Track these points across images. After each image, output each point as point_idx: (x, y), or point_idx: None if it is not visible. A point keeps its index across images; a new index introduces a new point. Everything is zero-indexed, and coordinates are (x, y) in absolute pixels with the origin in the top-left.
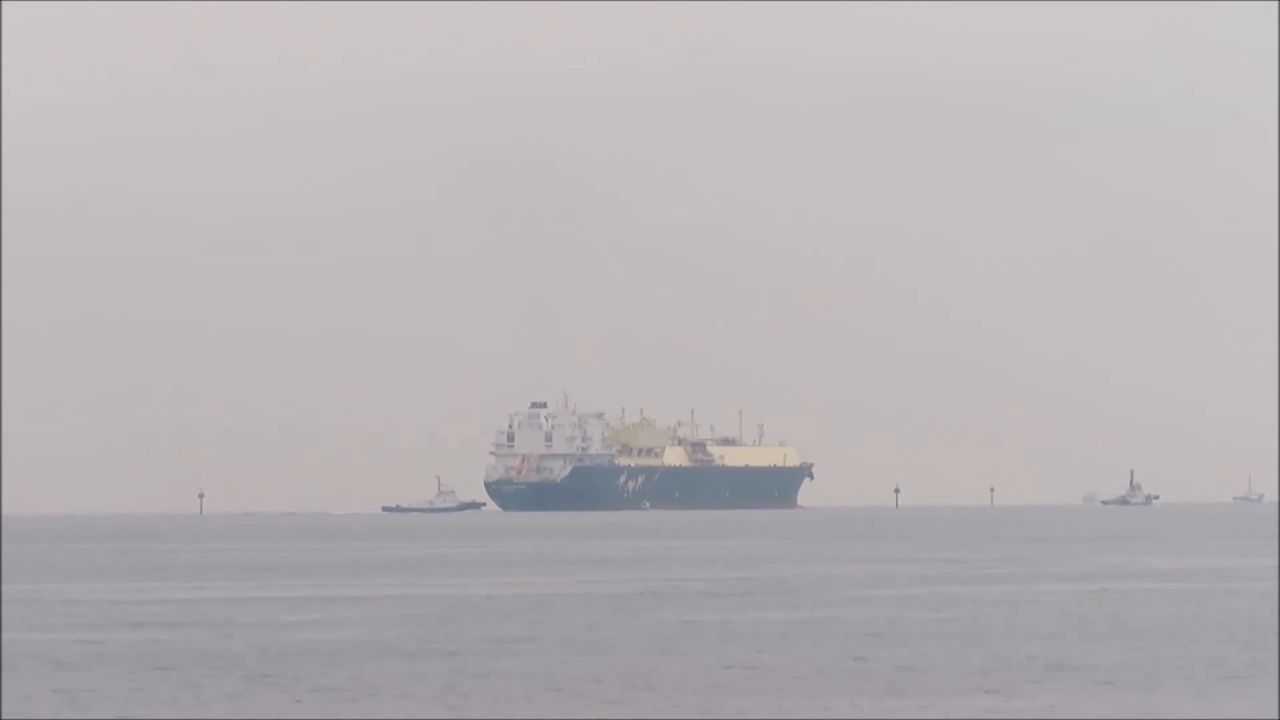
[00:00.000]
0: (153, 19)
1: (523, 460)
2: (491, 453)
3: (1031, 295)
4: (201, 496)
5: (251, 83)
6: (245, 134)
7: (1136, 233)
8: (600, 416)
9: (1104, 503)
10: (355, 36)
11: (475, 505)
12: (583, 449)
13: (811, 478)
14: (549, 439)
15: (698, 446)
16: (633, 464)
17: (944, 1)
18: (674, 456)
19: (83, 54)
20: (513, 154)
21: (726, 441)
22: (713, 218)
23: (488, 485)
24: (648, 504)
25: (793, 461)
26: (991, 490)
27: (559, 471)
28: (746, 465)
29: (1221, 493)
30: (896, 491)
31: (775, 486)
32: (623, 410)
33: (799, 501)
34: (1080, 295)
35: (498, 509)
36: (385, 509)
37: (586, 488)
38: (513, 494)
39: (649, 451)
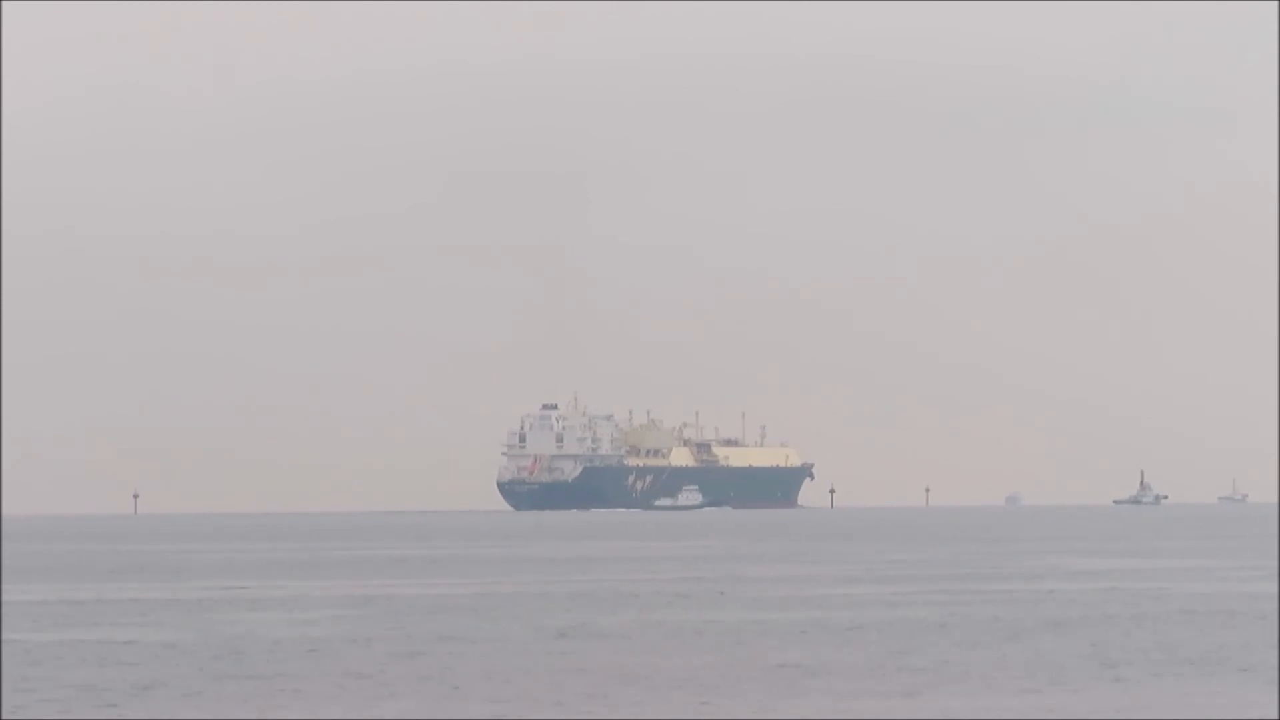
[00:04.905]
0: (151, 19)
1: (534, 461)
2: (504, 453)
3: (1030, 297)
4: (136, 497)
5: (254, 84)
6: (245, 135)
7: (1135, 234)
8: (609, 418)
9: (1116, 502)
10: (354, 38)
11: (718, 503)
12: (593, 450)
13: (812, 478)
14: (560, 440)
15: (703, 447)
16: (641, 464)
17: (949, 2)
18: (680, 457)
19: (83, 54)
20: (516, 155)
21: (730, 443)
22: (713, 221)
23: (500, 485)
24: (655, 503)
25: (794, 462)
26: (927, 491)
27: (570, 472)
28: (749, 466)
29: (1207, 493)
30: (832, 492)
31: (777, 486)
32: (630, 412)
33: (800, 501)
34: (1076, 297)
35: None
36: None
37: (596, 487)
38: (525, 494)
39: (656, 452)
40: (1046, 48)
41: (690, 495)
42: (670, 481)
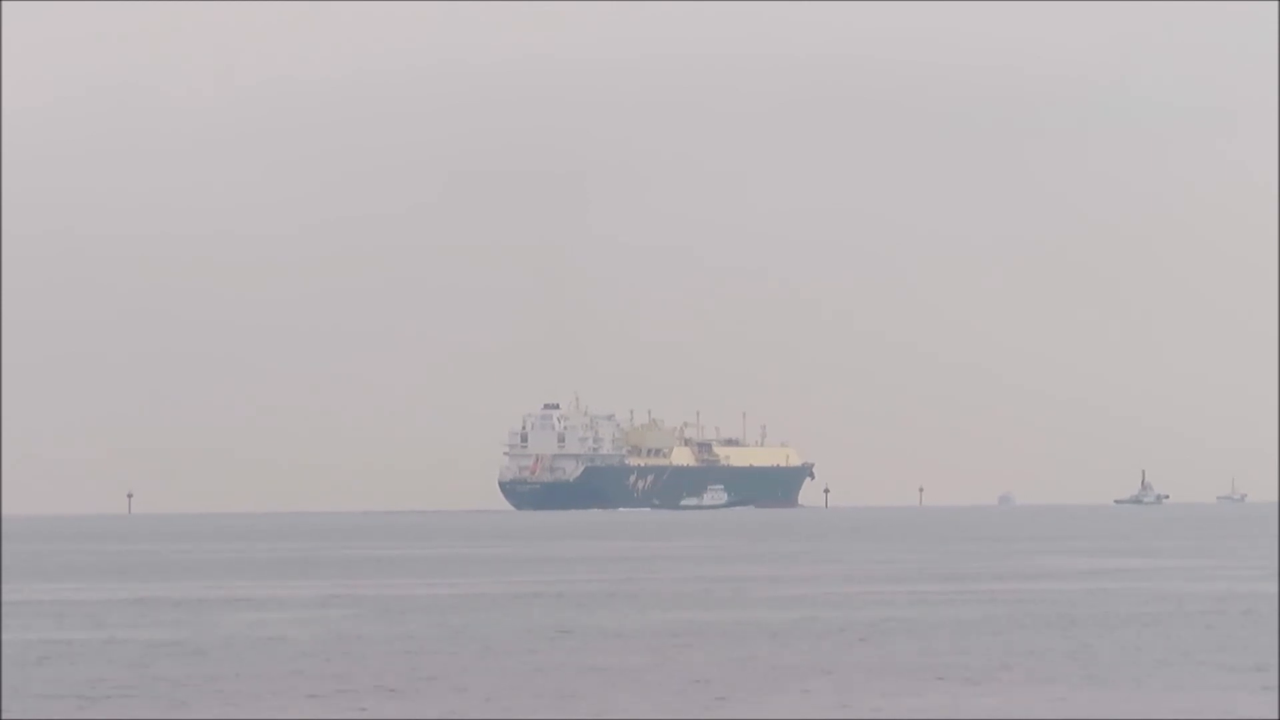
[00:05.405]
0: (151, 19)
1: (536, 460)
2: (505, 453)
3: (1030, 297)
4: (130, 497)
5: (254, 84)
6: (245, 135)
7: (1135, 234)
8: (611, 418)
9: (1117, 502)
10: (354, 38)
11: (742, 503)
12: (594, 449)
13: (812, 477)
14: (562, 440)
15: (704, 447)
16: (642, 464)
17: (949, 2)
18: (681, 457)
19: (83, 54)
20: (516, 155)
21: (730, 442)
22: (713, 221)
23: (502, 485)
24: (656, 502)
25: (794, 462)
26: (920, 490)
27: (571, 471)
28: (750, 465)
29: (1206, 493)
30: (826, 492)
31: (778, 486)
32: (631, 412)
33: (800, 500)
34: (1076, 297)
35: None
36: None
37: (598, 487)
38: (526, 493)
39: (657, 452)
40: (1046, 48)
41: (715, 495)
42: (673, 481)
